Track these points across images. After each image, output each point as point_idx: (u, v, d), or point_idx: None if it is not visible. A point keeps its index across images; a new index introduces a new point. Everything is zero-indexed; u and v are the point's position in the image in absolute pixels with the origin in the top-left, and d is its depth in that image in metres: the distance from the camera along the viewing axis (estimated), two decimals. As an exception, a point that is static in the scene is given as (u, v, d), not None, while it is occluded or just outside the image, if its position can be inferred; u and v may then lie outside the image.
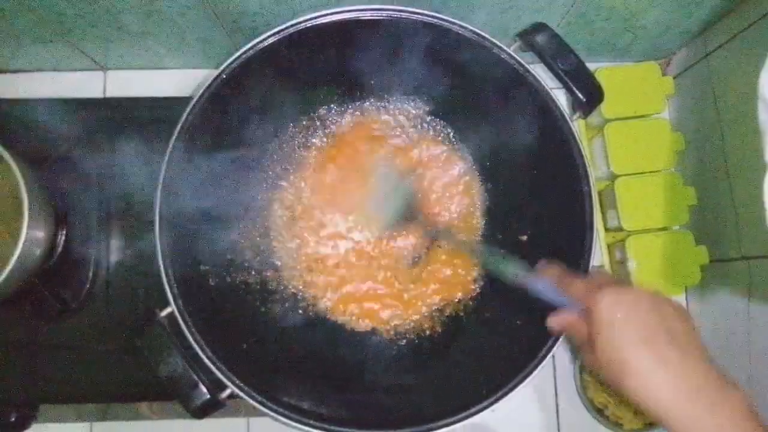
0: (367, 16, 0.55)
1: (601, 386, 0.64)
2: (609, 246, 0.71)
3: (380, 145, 0.66)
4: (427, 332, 0.63)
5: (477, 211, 0.66)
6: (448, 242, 0.63)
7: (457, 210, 0.66)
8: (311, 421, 0.50)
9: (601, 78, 0.58)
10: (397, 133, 0.67)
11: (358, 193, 0.65)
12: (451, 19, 0.55)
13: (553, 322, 0.47)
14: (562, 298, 0.46)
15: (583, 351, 0.45)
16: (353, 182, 0.65)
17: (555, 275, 0.48)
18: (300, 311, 0.63)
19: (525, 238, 0.62)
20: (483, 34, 0.55)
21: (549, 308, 0.47)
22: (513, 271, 0.49)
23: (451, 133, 0.67)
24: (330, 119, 0.66)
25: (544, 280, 0.47)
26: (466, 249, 0.62)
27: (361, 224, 0.64)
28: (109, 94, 0.72)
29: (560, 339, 0.51)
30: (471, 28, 0.55)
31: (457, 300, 0.64)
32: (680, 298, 0.71)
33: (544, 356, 0.51)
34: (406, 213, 0.62)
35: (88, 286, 0.65)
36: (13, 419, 0.62)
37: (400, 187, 0.64)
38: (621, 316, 0.41)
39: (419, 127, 0.67)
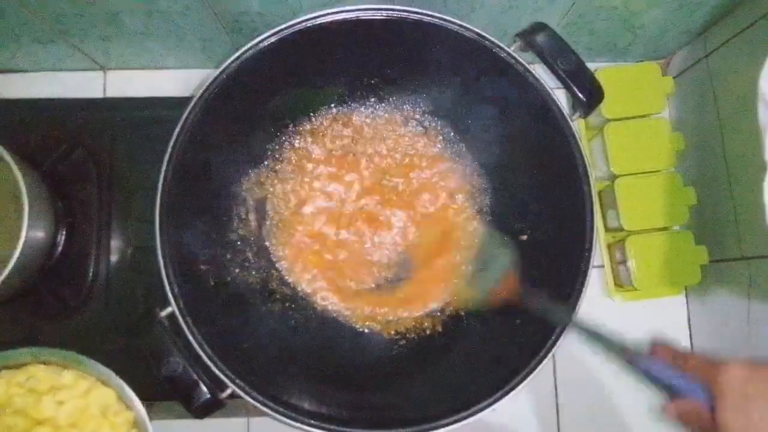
0: (367, 16, 0.55)
1: None
2: (609, 246, 0.71)
3: (379, 146, 0.67)
4: (428, 332, 0.63)
5: (477, 211, 0.66)
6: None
7: (458, 210, 0.66)
8: (311, 421, 0.50)
9: (601, 78, 0.59)
10: (397, 132, 0.67)
11: (357, 194, 0.65)
12: (451, 19, 0.55)
13: (672, 410, 0.40)
14: (679, 380, 0.40)
15: None
16: (352, 182, 0.65)
17: (668, 354, 0.42)
18: (300, 311, 0.63)
19: (525, 238, 0.62)
20: (483, 34, 0.55)
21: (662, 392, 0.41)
22: (621, 349, 0.43)
23: (451, 133, 0.67)
24: (330, 119, 0.66)
25: (657, 361, 0.41)
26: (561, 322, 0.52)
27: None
28: (109, 94, 0.72)
29: (560, 339, 0.51)
30: (471, 28, 0.55)
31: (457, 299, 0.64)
32: (680, 298, 0.71)
33: (544, 356, 0.51)
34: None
35: (88, 286, 0.65)
36: (13, 419, 0.62)
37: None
38: (756, 393, 0.36)
39: (419, 126, 0.67)
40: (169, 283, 0.51)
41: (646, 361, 0.42)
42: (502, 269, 0.58)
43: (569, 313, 0.51)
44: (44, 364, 0.49)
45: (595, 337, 0.46)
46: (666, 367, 0.41)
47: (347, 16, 0.55)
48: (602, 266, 0.70)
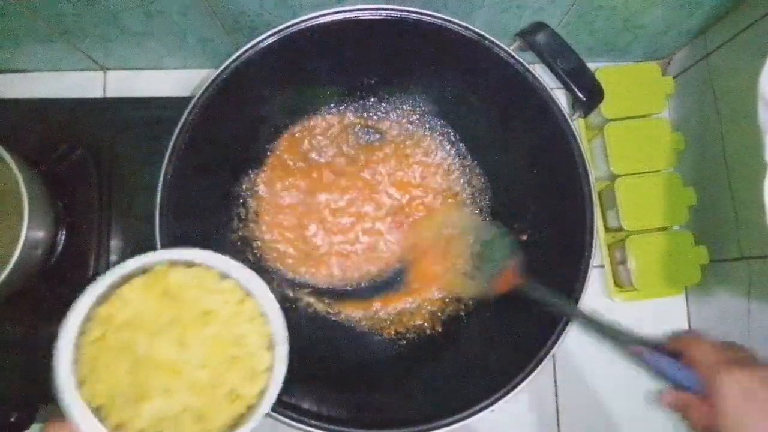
0: (367, 15, 0.55)
1: None
2: (609, 246, 0.71)
3: (379, 146, 0.67)
4: (428, 332, 0.63)
5: (477, 211, 0.66)
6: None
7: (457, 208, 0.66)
8: (311, 421, 0.50)
9: (601, 78, 0.59)
10: (397, 132, 0.67)
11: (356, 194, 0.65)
12: (451, 19, 0.55)
13: (667, 399, 0.42)
14: (680, 374, 0.41)
15: None
16: (352, 182, 0.65)
17: (679, 347, 0.43)
18: (300, 311, 0.63)
19: (525, 237, 0.62)
20: (483, 33, 0.55)
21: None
22: (630, 341, 0.44)
23: (451, 133, 0.67)
24: (330, 119, 0.66)
25: (666, 359, 0.42)
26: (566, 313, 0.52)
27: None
28: (109, 94, 0.72)
29: (560, 339, 0.51)
30: (471, 27, 0.55)
31: (457, 300, 0.64)
32: (680, 298, 0.71)
33: (544, 356, 0.51)
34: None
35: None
36: (13, 419, 0.62)
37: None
38: (756, 398, 0.37)
39: (419, 126, 0.67)
40: (169, 283, 0.51)
41: (651, 355, 0.42)
42: (503, 259, 0.58)
43: (573, 306, 0.51)
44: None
45: (599, 328, 0.47)
46: (668, 359, 0.42)
47: (347, 16, 0.55)
48: (602, 266, 0.70)
